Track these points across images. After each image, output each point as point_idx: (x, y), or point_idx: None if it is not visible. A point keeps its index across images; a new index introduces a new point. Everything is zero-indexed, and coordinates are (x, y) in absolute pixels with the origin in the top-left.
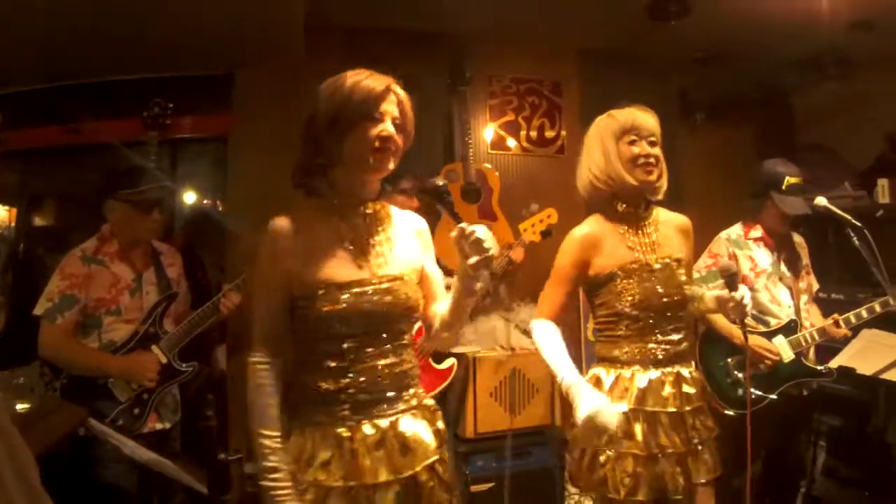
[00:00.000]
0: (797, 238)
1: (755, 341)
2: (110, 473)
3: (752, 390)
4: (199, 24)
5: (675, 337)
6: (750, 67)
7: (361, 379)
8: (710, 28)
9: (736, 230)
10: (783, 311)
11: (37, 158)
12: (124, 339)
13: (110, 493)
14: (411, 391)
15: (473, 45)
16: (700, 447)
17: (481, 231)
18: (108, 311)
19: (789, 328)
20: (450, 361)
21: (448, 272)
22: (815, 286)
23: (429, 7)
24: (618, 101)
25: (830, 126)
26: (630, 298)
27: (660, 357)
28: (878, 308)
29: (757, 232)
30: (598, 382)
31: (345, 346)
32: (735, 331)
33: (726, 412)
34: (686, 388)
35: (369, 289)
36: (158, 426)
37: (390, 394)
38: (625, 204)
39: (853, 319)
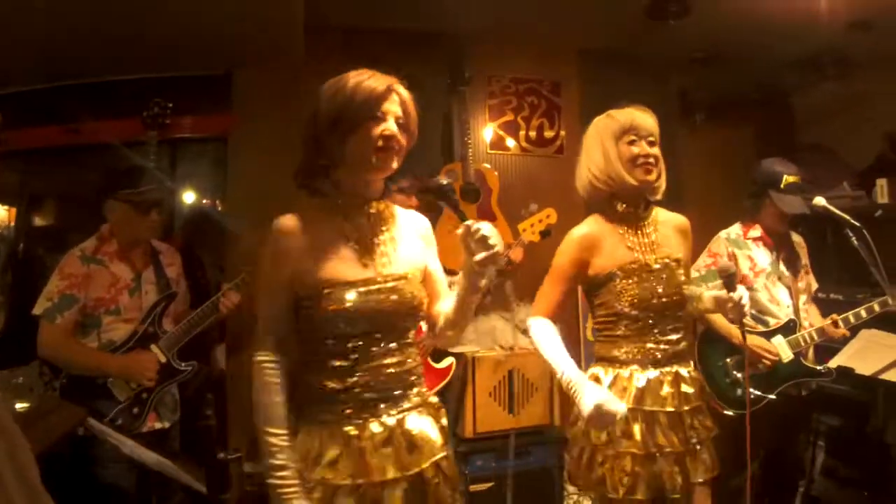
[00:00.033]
0: (796, 238)
1: (754, 341)
2: (109, 473)
3: (751, 390)
4: (199, 24)
5: (674, 337)
6: (749, 67)
7: (367, 378)
8: (710, 28)
9: (735, 230)
10: (782, 310)
11: (37, 158)
12: (123, 338)
13: (109, 493)
14: (416, 389)
15: (473, 45)
16: (698, 447)
17: (487, 228)
18: (107, 311)
19: (788, 328)
20: (448, 360)
21: (447, 272)
22: (814, 286)
23: (428, 7)
24: (617, 101)
25: (829, 126)
26: (629, 298)
27: (658, 357)
28: (876, 308)
29: (756, 231)
30: (596, 382)
31: (350, 345)
32: (734, 331)
33: (725, 412)
34: (684, 388)
35: (375, 288)
36: (157, 425)
37: (396, 392)
38: (624, 204)
39: (852, 319)
